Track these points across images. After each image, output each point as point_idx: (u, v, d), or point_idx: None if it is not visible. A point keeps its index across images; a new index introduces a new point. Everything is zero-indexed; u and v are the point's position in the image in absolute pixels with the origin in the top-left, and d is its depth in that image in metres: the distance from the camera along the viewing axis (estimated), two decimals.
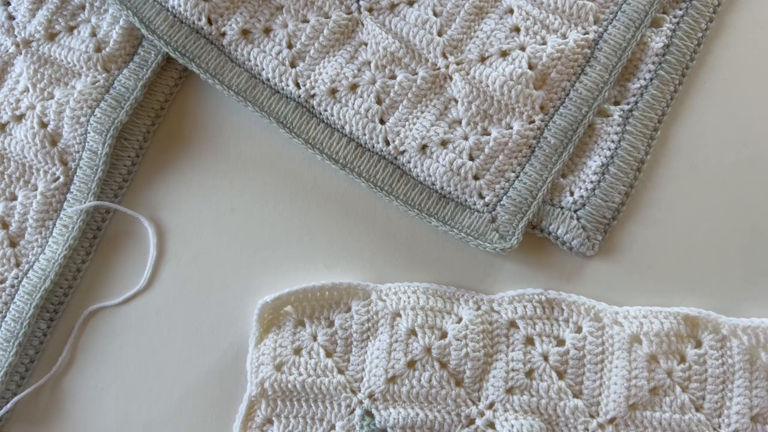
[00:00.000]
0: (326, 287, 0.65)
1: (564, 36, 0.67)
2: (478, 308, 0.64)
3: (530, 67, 0.66)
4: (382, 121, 0.67)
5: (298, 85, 0.68)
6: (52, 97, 0.69)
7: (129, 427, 0.66)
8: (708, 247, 0.66)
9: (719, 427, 0.62)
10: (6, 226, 0.68)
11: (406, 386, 0.63)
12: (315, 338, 0.65)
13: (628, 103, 0.67)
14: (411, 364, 0.63)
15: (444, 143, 0.66)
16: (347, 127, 0.67)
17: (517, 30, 0.68)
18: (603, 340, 0.63)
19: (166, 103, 0.71)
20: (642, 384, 0.62)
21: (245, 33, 0.69)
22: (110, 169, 0.69)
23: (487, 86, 0.66)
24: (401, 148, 0.66)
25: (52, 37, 0.71)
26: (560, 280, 0.66)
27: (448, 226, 0.66)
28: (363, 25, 0.68)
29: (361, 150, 0.67)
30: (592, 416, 0.62)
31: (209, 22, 0.68)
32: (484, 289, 0.66)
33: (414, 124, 0.67)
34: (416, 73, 0.67)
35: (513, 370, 0.63)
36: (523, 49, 0.67)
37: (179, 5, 0.68)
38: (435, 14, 0.68)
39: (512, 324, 0.64)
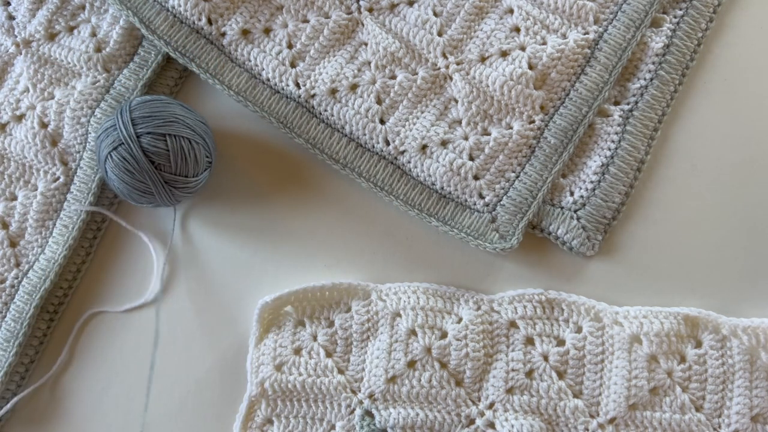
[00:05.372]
0: (326, 287, 0.65)
1: (564, 36, 0.67)
2: (478, 308, 0.64)
3: (530, 67, 0.66)
4: (382, 121, 0.67)
5: (298, 85, 0.68)
6: (53, 98, 0.69)
7: (129, 427, 0.66)
8: (708, 247, 0.66)
9: (719, 427, 0.62)
10: (6, 226, 0.68)
11: (406, 386, 0.63)
12: (315, 338, 0.65)
13: (628, 103, 0.67)
14: (411, 364, 0.63)
15: (444, 143, 0.66)
16: (347, 127, 0.67)
17: (517, 30, 0.68)
18: (603, 340, 0.63)
19: None
20: (642, 384, 0.62)
21: (245, 33, 0.69)
22: None
23: (487, 86, 0.66)
24: (401, 148, 0.66)
25: (52, 37, 0.71)
26: (560, 280, 0.66)
27: (448, 226, 0.66)
28: (363, 25, 0.68)
29: (361, 150, 0.67)
30: (592, 416, 0.62)
31: (209, 22, 0.68)
32: (484, 289, 0.66)
33: (414, 124, 0.67)
34: (416, 73, 0.67)
35: (513, 370, 0.63)
36: (523, 49, 0.67)
37: (179, 5, 0.68)
38: (435, 14, 0.68)
39: (512, 324, 0.64)
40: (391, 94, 0.67)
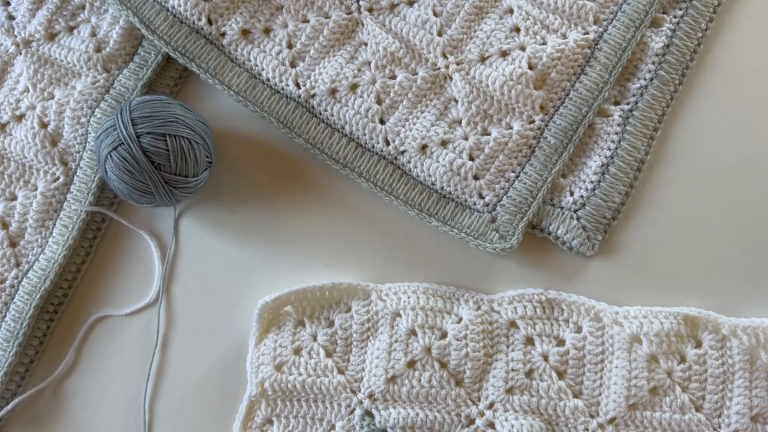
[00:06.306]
0: (326, 287, 0.65)
1: (564, 36, 0.67)
2: (478, 308, 0.64)
3: (530, 67, 0.66)
4: (382, 121, 0.67)
5: (298, 85, 0.68)
6: (53, 98, 0.69)
7: (129, 428, 0.66)
8: (708, 247, 0.66)
9: (719, 427, 0.62)
10: (6, 226, 0.68)
11: (406, 386, 0.63)
12: (315, 338, 0.65)
13: (628, 103, 0.67)
14: (411, 364, 0.63)
15: (444, 143, 0.66)
16: (347, 127, 0.67)
17: (517, 30, 0.68)
18: (603, 340, 0.63)
19: None
20: (642, 384, 0.62)
21: (245, 33, 0.69)
22: None
23: (487, 86, 0.66)
24: (401, 148, 0.66)
25: (52, 37, 0.71)
26: (560, 280, 0.66)
27: (448, 226, 0.66)
28: (363, 25, 0.68)
29: (361, 150, 0.67)
30: (592, 416, 0.62)
31: (209, 22, 0.68)
32: (484, 289, 0.66)
33: (414, 124, 0.67)
34: (416, 73, 0.67)
35: (513, 370, 0.63)
36: (523, 49, 0.67)
37: (179, 5, 0.68)
38: (435, 14, 0.68)
39: (512, 324, 0.64)
40: (391, 94, 0.67)
